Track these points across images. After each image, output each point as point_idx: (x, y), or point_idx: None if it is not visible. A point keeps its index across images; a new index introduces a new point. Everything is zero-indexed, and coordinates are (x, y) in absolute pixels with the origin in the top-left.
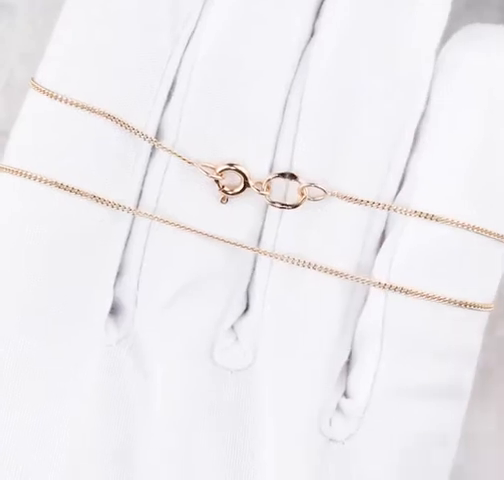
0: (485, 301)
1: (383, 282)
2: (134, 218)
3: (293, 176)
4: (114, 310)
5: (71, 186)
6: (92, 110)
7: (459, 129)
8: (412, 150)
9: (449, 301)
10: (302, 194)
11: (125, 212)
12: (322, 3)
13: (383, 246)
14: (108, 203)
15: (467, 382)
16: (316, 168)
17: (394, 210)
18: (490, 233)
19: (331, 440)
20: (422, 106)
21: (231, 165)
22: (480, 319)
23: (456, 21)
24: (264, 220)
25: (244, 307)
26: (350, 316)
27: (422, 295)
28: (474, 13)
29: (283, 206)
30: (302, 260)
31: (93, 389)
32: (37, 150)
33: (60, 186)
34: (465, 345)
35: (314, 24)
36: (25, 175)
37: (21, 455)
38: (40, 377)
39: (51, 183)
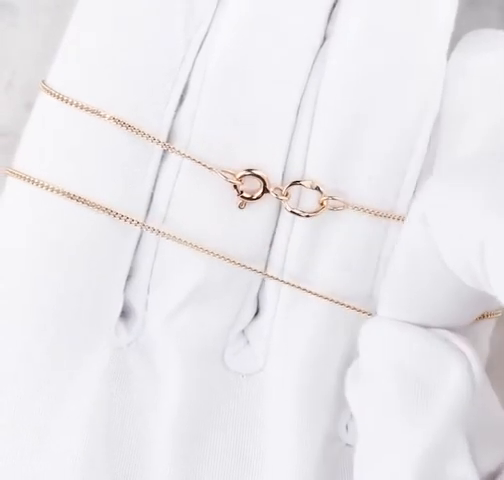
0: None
1: None
2: (145, 222)
3: (315, 185)
4: (125, 313)
5: (80, 196)
6: (102, 115)
7: (472, 133)
8: (426, 155)
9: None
10: (322, 204)
11: (134, 224)
12: (334, 8)
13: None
14: (117, 215)
15: None
16: (329, 174)
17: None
18: None
19: (348, 445)
20: (436, 111)
21: (249, 170)
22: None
23: (458, 20)
24: (276, 226)
25: (255, 311)
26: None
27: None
28: (475, 12)
29: (301, 214)
30: (307, 288)
31: (103, 391)
32: (47, 155)
33: (70, 196)
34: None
35: (327, 28)
36: (35, 182)
37: (29, 456)
38: (49, 380)
39: (60, 192)
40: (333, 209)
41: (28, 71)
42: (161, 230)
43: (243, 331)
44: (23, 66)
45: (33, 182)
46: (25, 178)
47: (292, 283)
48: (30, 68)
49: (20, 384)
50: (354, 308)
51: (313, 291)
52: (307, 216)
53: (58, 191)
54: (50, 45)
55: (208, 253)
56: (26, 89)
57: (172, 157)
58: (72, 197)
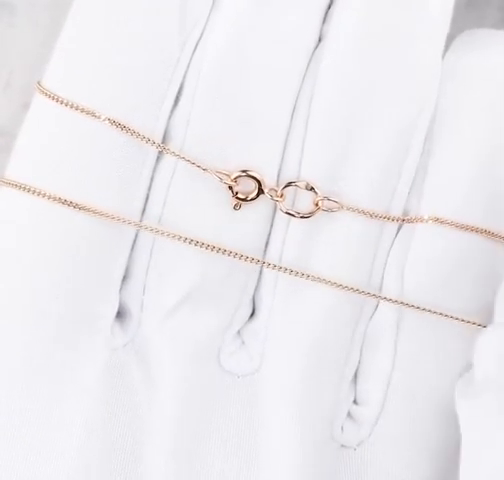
0: (486, 311)
1: (395, 295)
2: (141, 221)
3: (309, 186)
4: (121, 314)
5: (74, 201)
6: (97, 116)
7: (466, 133)
8: (421, 155)
9: (457, 319)
10: (317, 205)
11: (131, 225)
12: (330, 8)
13: (392, 253)
14: (112, 217)
15: None
16: (324, 175)
17: (408, 222)
18: (499, 237)
19: (343, 446)
20: (431, 111)
21: (244, 171)
22: None
23: (456, 20)
24: (271, 226)
25: (251, 311)
26: (361, 321)
27: (433, 312)
28: (474, 12)
29: (296, 215)
30: (306, 273)
31: (99, 392)
32: (41, 158)
33: (65, 202)
34: None
35: (322, 29)
36: (28, 190)
37: (27, 456)
38: (47, 381)
39: (54, 198)
40: (328, 210)
41: (26, 71)
42: (155, 229)
43: (239, 332)
44: (21, 66)
45: (26, 190)
46: (18, 187)
47: (291, 271)
48: (28, 68)
49: (17, 385)
50: (357, 290)
51: (312, 281)
52: (302, 217)
53: (53, 198)
54: (48, 45)
55: (206, 248)
56: (24, 89)
57: (167, 158)
58: (69, 204)
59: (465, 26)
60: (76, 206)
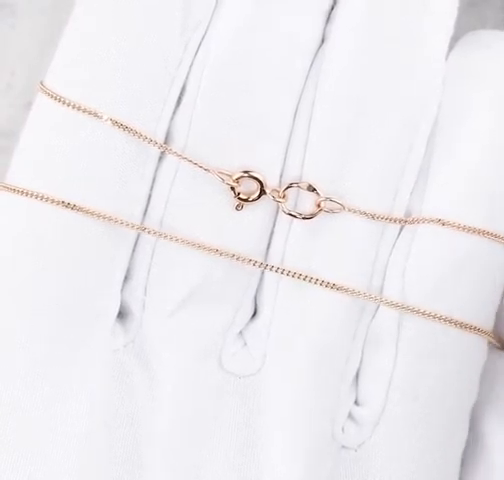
0: (487, 314)
1: (396, 296)
2: (142, 223)
3: (311, 187)
4: (122, 314)
5: (75, 203)
6: (99, 116)
7: (469, 134)
8: (423, 156)
9: (457, 324)
10: (319, 206)
11: (132, 227)
12: (333, 9)
13: (394, 253)
14: (114, 220)
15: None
16: (327, 176)
17: (410, 223)
18: (502, 238)
19: (343, 447)
20: (434, 112)
21: (246, 172)
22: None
23: (458, 19)
24: (274, 227)
25: (252, 312)
26: (363, 321)
27: (435, 317)
28: (476, 12)
29: (298, 216)
30: (309, 276)
31: (100, 392)
32: (44, 160)
33: (65, 205)
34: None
35: (325, 30)
36: (28, 194)
37: (28, 456)
38: (48, 381)
39: (55, 201)
40: (330, 211)
41: (27, 72)
42: (158, 232)
43: (241, 332)
44: (22, 67)
45: (27, 194)
46: (19, 192)
47: (294, 273)
48: (29, 69)
49: (18, 385)
50: (358, 293)
51: (315, 281)
52: (304, 218)
53: (56, 202)
54: (49, 45)
55: (207, 251)
56: (26, 90)
57: (169, 159)
58: (72, 207)
59: (467, 26)
60: (78, 209)
